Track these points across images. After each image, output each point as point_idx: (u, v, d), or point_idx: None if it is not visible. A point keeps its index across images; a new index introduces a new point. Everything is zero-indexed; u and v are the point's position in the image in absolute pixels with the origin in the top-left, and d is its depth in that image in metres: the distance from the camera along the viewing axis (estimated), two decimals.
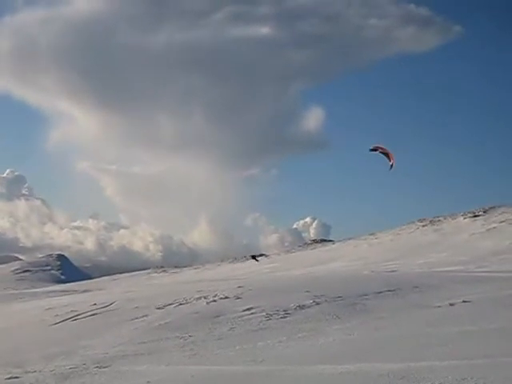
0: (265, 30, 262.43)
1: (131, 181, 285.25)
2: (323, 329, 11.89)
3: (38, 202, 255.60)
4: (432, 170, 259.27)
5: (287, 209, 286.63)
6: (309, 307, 14.45)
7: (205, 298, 17.16)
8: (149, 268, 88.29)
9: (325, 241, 78.42)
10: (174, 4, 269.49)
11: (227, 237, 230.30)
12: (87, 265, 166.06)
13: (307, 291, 16.36)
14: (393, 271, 29.74)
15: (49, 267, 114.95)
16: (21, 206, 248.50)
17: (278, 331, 12.08)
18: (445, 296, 14.79)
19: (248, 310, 14.60)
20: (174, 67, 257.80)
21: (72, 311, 18.39)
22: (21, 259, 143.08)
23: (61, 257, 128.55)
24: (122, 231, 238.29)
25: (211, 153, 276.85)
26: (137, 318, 15.34)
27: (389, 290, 16.30)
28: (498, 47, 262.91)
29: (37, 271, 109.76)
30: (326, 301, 15.03)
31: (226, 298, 16.75)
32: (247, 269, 59.50)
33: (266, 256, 72.49)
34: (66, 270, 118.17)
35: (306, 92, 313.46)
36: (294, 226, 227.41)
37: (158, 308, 16.38)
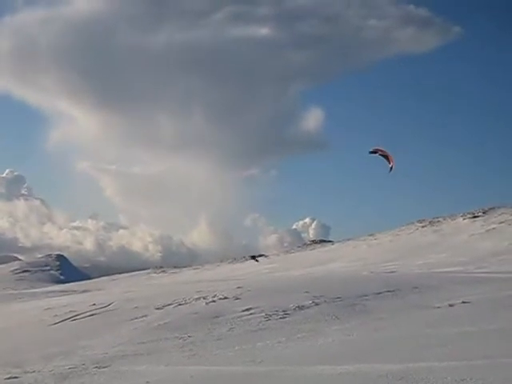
0: (264, 31, 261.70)
1: (131, 181, 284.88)
2: (322, 329, 11.89)
3: (38, 202, 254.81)
4: (431, 171, 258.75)
5: (286, 209, 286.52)
6: (308, 308, 14.45)
7: (204, 298, 17.15)
8: (148, 268, 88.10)
9: (324, 241, 78.32)
10: (174, 4, 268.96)
11: (227, 237, 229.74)
12: (86, 265, 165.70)
13: (306, 292, 16.36)
14: (392, 272, 29.73)
15: (48, 267, 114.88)
16: (20, 205, 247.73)
17: (277, 332, 12.08)
18: (444, 297, 14.79)
19: (247, 310, 14.60)
20: (174, 67, 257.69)
21: (71, 311, 18.39)
22: (20, 259, 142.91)
23: (60, 257, 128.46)
24: (121, 231, 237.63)
25: (211, 153, 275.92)
26: (136, 319, 15.34)
27: (388, 291, 16.30)
28: (498, 48, 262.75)
29: (36, 271, 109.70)
30: (325, 301, 15.03)
31: (226, 298, 16.75)
32: (246, 269, 59.48)
33: (266, 256, 72.45)
34: (65, 270, 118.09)
35: (305, 92, 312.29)
36: (294, 227, 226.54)
37: (158, 308, 16.38)
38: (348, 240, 67.16)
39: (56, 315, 18.13)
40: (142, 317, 15.44)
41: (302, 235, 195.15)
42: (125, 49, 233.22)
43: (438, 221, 58.97)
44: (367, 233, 65.88)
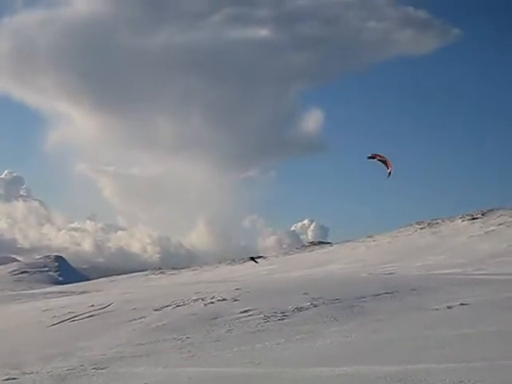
0: (264, 32, 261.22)
1: (129, 182, 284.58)
2: (321, 331, 11.88)
3: (36, 204, 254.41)
4: (430, 173, 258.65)
5: (285, 211, 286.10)
6: (306, 309, 14.45)
7: (202, 299, 17.14)
8: (146, 269, 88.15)
9: (323, 243, 78.41)
10: (173, 6, 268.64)
11: (225, 238, 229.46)
12: (85, 266, 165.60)
13: (305, 293, 16.36)
14: (391, 274, 29.75)
15: (46, 268, 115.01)
16: (19, 207, 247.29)
17: (276, 333, 12.08)
18: (443, 299, 14.79)
19: (246, 311, 14.60)
20: (173, 69, 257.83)
21: (69, 312, 18.36)
22: (18, 260, 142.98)
23: (58, 258, 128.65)
24: (119, 233, 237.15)
25: (210, 154, 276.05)
26: (134, 320, 15.32)
27: (386, 293, 16.29)
28: (497, 49, 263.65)
29: (34, 272, 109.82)
30: (323, 303, 15.02)
31: (224, 299, 16.74)
32: (245, 271, 59.45)
33: (264, 258, 72.45)
34: (64, 271, 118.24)
35: (305, 94, 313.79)
36: (292, 228, 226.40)
37: (156, 309, 16.37)
38: (346, 242, 67.21)
39: (54, 316, 18.11)
40: (141, 318, 15.42)
41: (301, 237, 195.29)
42: (124, 50, 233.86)
43: (437, 223, 59.02)
44: (366, 234, 66.08)
